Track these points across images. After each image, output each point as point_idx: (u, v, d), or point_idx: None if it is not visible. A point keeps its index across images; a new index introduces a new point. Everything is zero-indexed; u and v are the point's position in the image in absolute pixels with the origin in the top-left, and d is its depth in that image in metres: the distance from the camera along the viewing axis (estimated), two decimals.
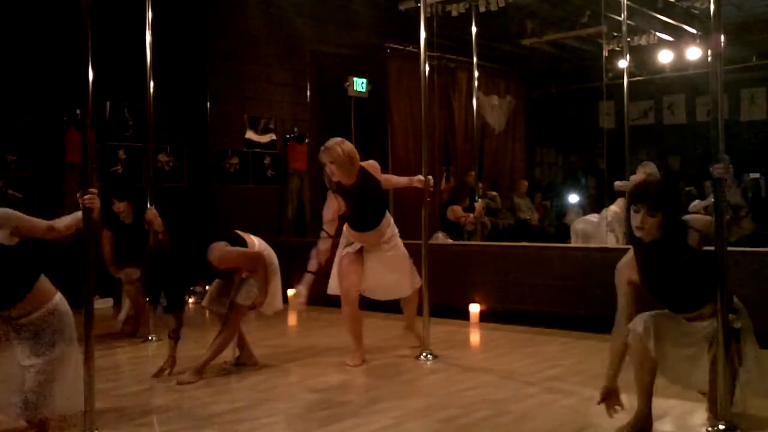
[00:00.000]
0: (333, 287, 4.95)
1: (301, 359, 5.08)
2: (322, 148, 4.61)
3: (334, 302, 5.02)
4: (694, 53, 10.79)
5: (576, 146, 13.66)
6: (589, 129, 12.73)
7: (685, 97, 12.55)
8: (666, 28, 10.34)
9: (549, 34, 10.95)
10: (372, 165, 4.79)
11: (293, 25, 9.54)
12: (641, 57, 11.07)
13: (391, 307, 5.21)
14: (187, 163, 8.81)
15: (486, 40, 9.95)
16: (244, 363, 4.82)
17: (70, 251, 4.53)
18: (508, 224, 9.89)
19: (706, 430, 3.18)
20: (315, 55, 9.86)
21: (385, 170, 5.50)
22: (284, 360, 5.03)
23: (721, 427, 3.14)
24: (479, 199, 8.79)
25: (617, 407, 3.21)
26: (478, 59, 9.00)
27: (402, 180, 5.17)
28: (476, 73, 9.05)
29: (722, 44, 3.32)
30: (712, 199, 3.32)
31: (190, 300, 7.93)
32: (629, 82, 7.82)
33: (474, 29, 8.77)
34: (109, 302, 7.08)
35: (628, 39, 8.56)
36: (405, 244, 4.98)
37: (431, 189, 5.13)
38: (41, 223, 3.48)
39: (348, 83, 9.27)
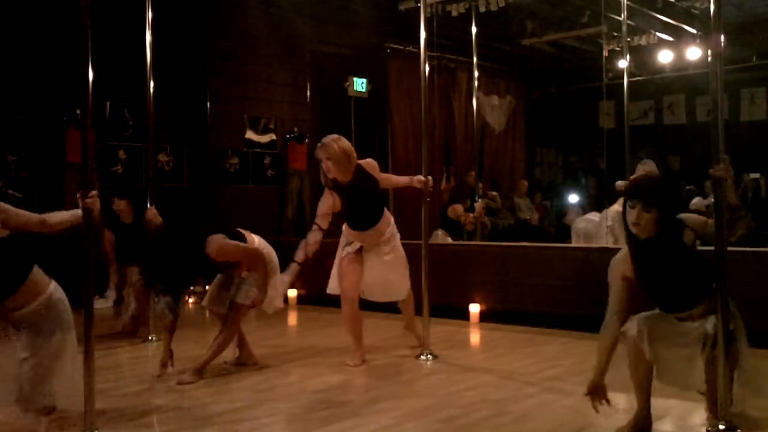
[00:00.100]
0: (333, 287, 4.95)
1: (301, 359, 5.08)
2: (319, 144, 4.62)
3: (334, 302, 5.02)
4: (694, 53, 10.79)
5: (576, 146, 13.66)
6: (589, 129, 12.73)
7: (685, 97, 12.56)
8: (666, 28, 10.34)
9: (549, 34, 10.95)
10: (369, 163, 4.78)
11: (293, 25, 9.54)
12: (641, 57, 11.08)
13: (391, 307, 5.21)
14: (187, 163, 8.81)
15: (486, 40, 9.96)
16: (244, 363, 4.82)
17: (70, 251, 4.54)
18: (508, 224, 9.89)
19: (706, 430, 3.18)
20: (315, 55, 9.86)
21: (385, 170, 5.51)
22: (284, 360, 5.03)
23: (721, 427, 3.14)
24: (479, 199, 8.80)
25: (603, 402, 3.19)
26: (478, 59, 9.01)
27: (402, 179, 5.17)
28: (476, 73, 9.06)
29: (722, 44, 3.32)
30: (713, 199, 3.32)
31: (190, 300, 7.95)
32: (629, 82, 7.84)
33: (474, 29, 8.77)
34: (109, 302, 7.07)
35: (628, 39, 8.57)
36: (405, 244, 4.97)
37: (431, 189, 5.12)
38: (32, 216, 3.48)
39: (348, 83, 9.28)
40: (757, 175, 10.58)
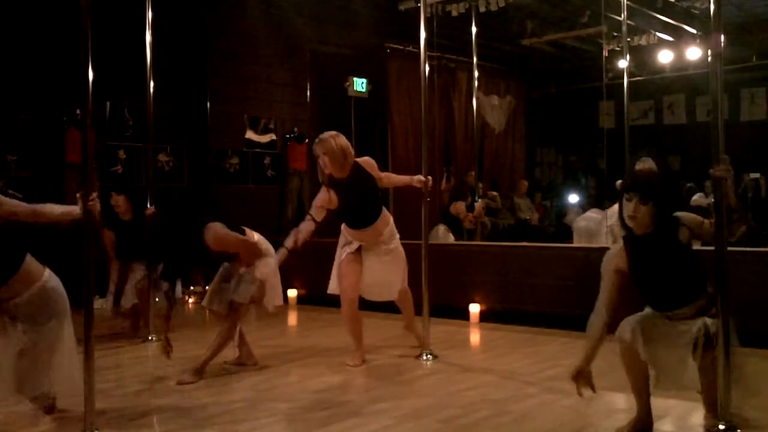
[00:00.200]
0: (333, 287, 4.95)
1: (301, 359, 5.08)
2: (317, 140, 4.64)
3: (334, 302, 5.02)
4: (694, 53, 10.79)
5: (576, 146, 13.65)
6: (589, 129, 12.72)
7: (685, 97, 12.56)
8: (666, 28, 10.34)
9: (549, 34, 10.95)
10: (367, 161, 4.79)
11: (293, 25, 9.54)
12: (641, 57, 11.08)
13: (391, 307, 5.21)
14: (187, 163, 8.81)
15: (486, 40, 9.95)
16: (244, 363, 4.82)
17: (70, 251, 4.55)
18: (508, 224, 9.89)
19: (706, 430, 3.18)
20: (315, 55, 9.86)
21: (385, 170, 5.51)
22: (284, 360, 5.03)
23: (721, 427, 3.14)
24: (479, 199, 8.80)
25: (587, 390, 3.18)
26: (478, 59, 9.00)
27: (402, 179, 5.17)
28: (476, 73, 9.06)
29: (722, 44, 3.32)
30: (713, 199, 3.32)
31: (190, 300, 7.96)
32: (629, 82, 7.82)
33: (474, 29, 8.77)
34: (109, 302, 7.07)
35: (628, 39, 8.56)
36: (405, 244, 4.97)
37: (430, 188, 5.11)
38: (23, 205, 3.47)
39: (348, 83, 9.28)
40: (757, 175, 10.59)
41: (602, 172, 9.72)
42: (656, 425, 3.27)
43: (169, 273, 4.58)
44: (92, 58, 3.47)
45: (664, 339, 3.13)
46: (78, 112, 7.34)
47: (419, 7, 5.21)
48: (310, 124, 9.63)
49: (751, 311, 4.69)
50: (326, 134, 4.63)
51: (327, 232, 4.72)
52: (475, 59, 8.90)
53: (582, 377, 3.19)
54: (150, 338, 5.71)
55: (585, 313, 3.34)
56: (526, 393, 4.05)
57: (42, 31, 7.55)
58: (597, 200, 10.32)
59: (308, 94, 9.84)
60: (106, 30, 5.16)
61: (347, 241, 4.87)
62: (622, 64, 8.34)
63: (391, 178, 5.11)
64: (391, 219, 4.91)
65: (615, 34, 9.77)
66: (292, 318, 7.12)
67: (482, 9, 8.82)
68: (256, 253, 4.53)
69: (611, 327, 3.23)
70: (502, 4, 8.81)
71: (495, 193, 10.15)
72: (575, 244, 7.67)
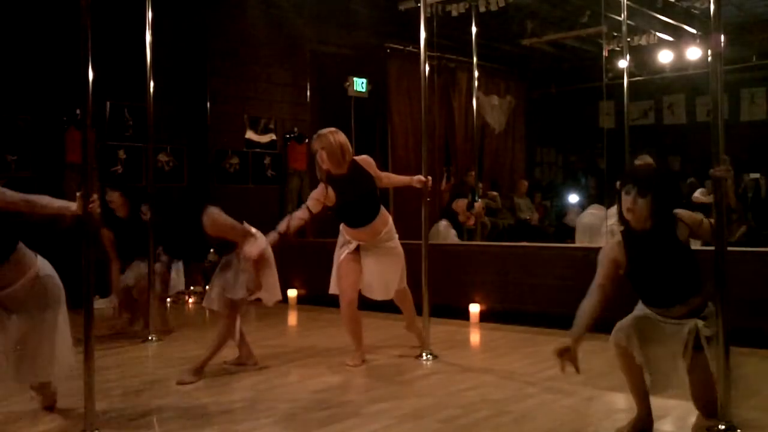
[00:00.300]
0: (334, 287, 4.95)
1: (301, 359, 5.08)
2: (315, 135, 4.65)
3: (334, 302, 5.02)
4: (694, 53, 10.78)
5: (576, 146, 13.65)
6: (589, 129, 12.72)
7: (685, 97, 12.55)
8: (666, 28, 10.34)
9: (549, 34, 10.95)
10: (365, 160, 4.79)
11: (293, 25, 9.54)
12: (641, 57, 11.07)
13: (391, 307, 5.21)
14: (187, 163, 8.81)
15: (486, 40, 9.95)
16: (244, 363, 4.82)
17: (70, 251, 4.55)
18: (508, 224, 9.89)
19: (706, 430, 3.18)
20: (315, 55, 9.87)
21: (385, 170, 5.51)
22: (284, 360, 5.03)
23: (722, 427, 3.14)
24: (479, 199, 8.79)
25: (571, 367, 3.17)
26: (478, 59, 9.02)
27: (402, 179, 5.17)
28: (476, 73, 9.07)
29: (722, 44, 3.32)
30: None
31: (190, 300, 7.96)
32: (629, 82, 7.83)
33: (474, 29, 8.78)
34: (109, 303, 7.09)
35: (628, 39, 8.56)
36: (405, 244, 4.96)
37: (429, 189, 5.11)
38: (14, 194, 3.48)
39: (348, 83, 9.28)
40: (757, 175, 10.58)
41: (602, 172, 9.72)
42: (656, 425, 3.27)
43: (169, 248, 4.64)
44: (92, 58, 3.47)
45: (657, 340, 3.13)
46: (78, 112, 7.35)
47: (419, 7, 5.21)
48: (310, 124, 9.63)
49: (751, 311, 4.70)
50: (325, 130, 4.65)
51: (327, 232, 4.72)
52: (475, 59, 8.90)
53: (567, 355, 3.17)
54: (150, 338, 5.71)
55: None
56: (526, 393, 4.05)
57: (42, 31, 7.55)
58: (597, 200, 10.31)
59: (308, 94, 9.85)
60: (106, 30, 5.16)
61: (346, 240, 4.86)
62: (622, 64, 8.34)
63: (391, 179, 5.11)
64: (390, 219, 4.91)
65: (615, 34, 9.76)
66: (292, 318, 7.12)
67: (482, 9, 8.82)
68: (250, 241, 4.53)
69: (609, 326, 3.23)
70: (502, 4, 8.80)
71: (495, 193, 10.15)
72: (577, 241, 7.68)
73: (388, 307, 5.27)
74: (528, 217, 10.36)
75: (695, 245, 3.69)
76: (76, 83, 3.56)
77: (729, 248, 3.24)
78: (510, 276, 6.36)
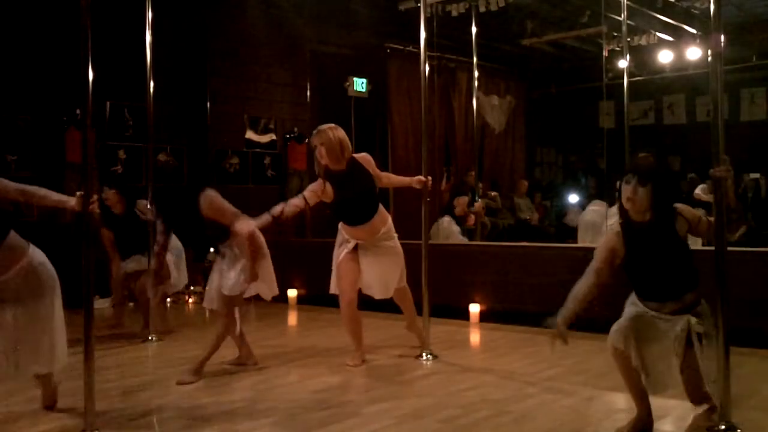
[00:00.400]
0: (334, 287, 4.95)
1: (301, 359, 5.08)
2: (314, 131, 4.66)
3: (334, 302, 5.02)
4: (694, 53, 10.78)
5: (576, 146, 13.64)
6: (589, 129, 12.72)
7: (685, 97, 12.54)
8: (666, 28, 10.33)
9: (549, 34, 10.94)
10: (364, 157, 4.79)
11: (293, 25, 9.54)
12: (641, 57, 11.06)
13: (391, 307, 5.21)
14: (187, 163, 8.81)
15: (486, 40, 9.94)
16: (244, 363, 4.82)
17: (69, 251, 4.55)
18: (508, 224, 9.88)
19: (706, 430, 3.18)
20: (315, 55, 9.86)
21: (385, 170, 5.51)
22: (284, 360, 5.03)
23: (722, 427, 3.14)
24: (479, 199, 8.79)
25: (561, 342, 3.22)
26: (478, 59, 9.00)
27: (402, 180, 5.17)
28: (476, 73, 9.06)
29: (722, 44, 3.32)
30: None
31: (190, 300, 7.96)
32: (629, 82, 7.83)
33: (474, 29, 8.77)
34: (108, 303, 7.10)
35: (628, 39, 8.56)
36: (405, 244, 4.96)
37: (429, 188, 5.11)
38: (10, 184, 3.47)
39: (348, 83, 9.28)
40: (757, 175, 10.58)
41: (602, 172, 9.71)
42: (656, 425, 3.27)
43: (168, 220, 4.74)
44: (92, 58, 3.47)
45: (653, 338, 3.14)
46: (78, 112, 7.35)
47: (419, 7, 5.21)
48: (310, 124, 9.59)
49: (751, 311, 4.70)
50: (324, 126, 4.66)
51: (327, 232, 4.72)
52: (475, 59, 8.90)
53: (557, 332, 3.22)
54: (150, 338, 5.72)
55: (585, 313, 3.34)
56: (526, 393, 4.05)
57: (42, 31, 7.55)
58: (597, 197, 10.31)
59: (308, 94, 9.84)
60: (106, 30, 5.16)
61: (344, 239, 4.86)
62: (622, 64, 8.34)
63: (390, 179, 5.11)
64: (390, 218, 4.90)
65: (615, 34, 9.75)
66: (292, 318, 7.12)
67: (482, 9, 8.81)
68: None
69: (608, 326, 3.23)
70: (502, 4, 8.80)
71: (495, 193, 10.14)
72: (580, 239, 7.68)
73: (388, 307, 5.27)
74: (528, 217, 10.35)
75: (696, 245, 3.70)
76: (76, 83, 3.56)
77: (729, 248, 3.23)
78: (510, 276, 6.36)
